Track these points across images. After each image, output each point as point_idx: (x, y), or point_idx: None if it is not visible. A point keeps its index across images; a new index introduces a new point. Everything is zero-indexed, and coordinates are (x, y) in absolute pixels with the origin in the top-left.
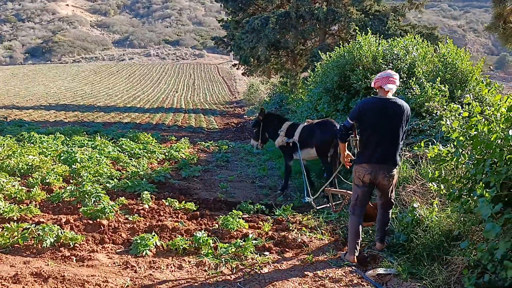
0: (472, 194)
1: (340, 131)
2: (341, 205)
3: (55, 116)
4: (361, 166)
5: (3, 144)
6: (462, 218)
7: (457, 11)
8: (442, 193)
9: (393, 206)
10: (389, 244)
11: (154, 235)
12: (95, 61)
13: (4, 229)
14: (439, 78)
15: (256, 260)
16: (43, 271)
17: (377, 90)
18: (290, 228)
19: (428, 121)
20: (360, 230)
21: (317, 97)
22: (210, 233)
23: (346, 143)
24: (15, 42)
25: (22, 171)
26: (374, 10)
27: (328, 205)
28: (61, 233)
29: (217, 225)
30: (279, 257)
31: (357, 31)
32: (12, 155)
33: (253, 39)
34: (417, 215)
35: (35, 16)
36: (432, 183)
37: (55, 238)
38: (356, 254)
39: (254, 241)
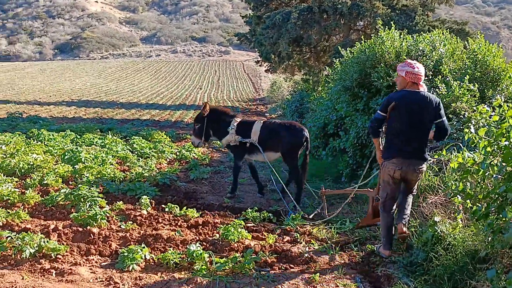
0: (501, 215)
1: (373, 124)
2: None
3: (75, 113)
4: (390, 162)
5: (10, 142)
6: (489, 238)
7: (491, 8)
8: (468, 206)
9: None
10: (406, 262)
11: (143, 247)
12: (122, 57)
13: None
14: (467, 76)
15: (254, 279)
16: (16, 286)
17: (408, 83)
18: (298, 239)
19: (454, 123)
20: (393, 225)
21: (337, 96)
22: (208, 245)
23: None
24: (45, 38)
25: (22, 170)
26: (402, 4)
27: (318, 211)
28: (43, 242)
29: (218, 235)
30: (281, 275)
31: (381, 26)
32: (16, 153)
33: (274, 34)
34: (438, 230)
35: (65, 13)
36: (457, 195)
37: (37, 248)
38: (390, 248)
39: (254, 256)
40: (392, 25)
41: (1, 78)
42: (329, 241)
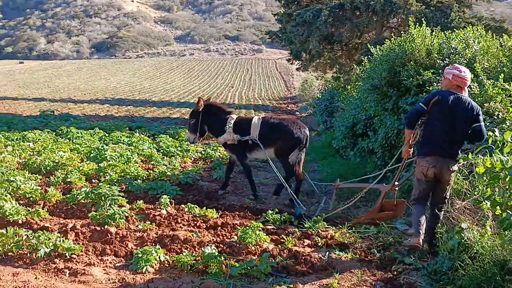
0: None
1: (411, 116)
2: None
3: (107, 111)
4: (424, 159)
5: (38, 139)
6: None
7: None
8: (497, 213)
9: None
10: (430, 270)
11: (158, 248)
12: (157, 56)
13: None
14: (502, 75)
15: (270, 284)
16: (28, 286)
17: (453, 85)
18: (319, 244)
19: (487, 124)
20: (424, 218)
21: (365, 95)
22: (225, 247)
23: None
24: (82, 37)
25: (48, 168)
26: (436, 1)
27: (322, 206)
28: (59, 241)
29: (236, 237)
30: (297, 281)
31: (412, 23)
32: (43, 151)
33: (304, 32)
34: (465, 238)
35: (102, 12)
36: (485, 201)
37: (52, 248)
38: (421, 237)
39: (270, 260)
40: (423, 22)
41: (39, 76)
42: (351, 246)
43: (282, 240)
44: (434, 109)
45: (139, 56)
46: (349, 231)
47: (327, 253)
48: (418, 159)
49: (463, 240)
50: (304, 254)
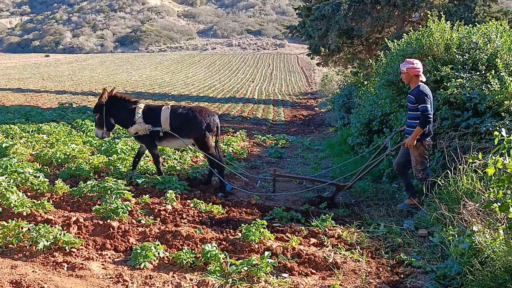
0: None
1: (430, 117)
2: None
3: None
4: (427, 141)
5: (53, 132)
6: None
7: None
8: (510, 216)
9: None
10: (439, 274)
11: (158, 244)
12: (179, 50)
13: (0, 227)
14: None
15: (270, 284)
16: (25, 279)
17: (411, 77)
18: (325, 243)
19: (507, 122)
20: None
21: (382, 91)
22: (228, 244)
23: None
24: (107, 31)
25: (59, 160)
26: None
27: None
28: (60, 235)
29: (240, 234)
30: (299, 281)
31: (433, 17)
32: (56, 143)
33: (322, 26)
34: (476, 242)
35: (126, 6)
36: (496, 203)
37: (52, 241)
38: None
39: (272, 260)
40: (446, 16)
41: (63, 69)
42: (358, 246)
43: (287, 238)
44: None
45: (161, 50)
46: (357, 230)
47: (332, 253)
48: (424, 141)
49: (473, 244)
50: (308, 253)
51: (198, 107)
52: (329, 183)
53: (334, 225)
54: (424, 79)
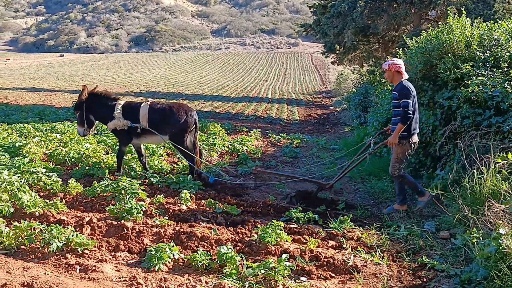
0: None
1: (410, 113)
2: None
3: None
4: (411, 140)
5: (67, 131)
6: None
7: None
8: None
9: None
10: (464, 278)
11: (173, 246)
12: (193, 50)
13: (13, 228)
14: None
15: None
16: (37, 282)
17: (392, 73)
18: (344, 245)
19: None
20: None
21: None
22: (244, 246)
23: None
24: (121, 31)
25: (73, 160)
26: None
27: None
28: (72, 236)
29: (256, 235)
30: (318, 284)
31: (452, 14)
32: (69, 142)
33: (338, 24)
34: (503, 245)
35: (141, 6)
36: None
37: (65, 242)
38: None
39: (289, 263)
40: (463, 12)
41: (78, 68)
42: (378, 249)
43: (305, 241)
44: (413, 100)
45: (175, 50)
46: (377, 232)
47: (352, 255)
48: (406, 140)
49: (500, 247)
50: (327, 256)
51: (177, 104)
52: (314, 182)
53: (353, 226)
54: (406, 76)
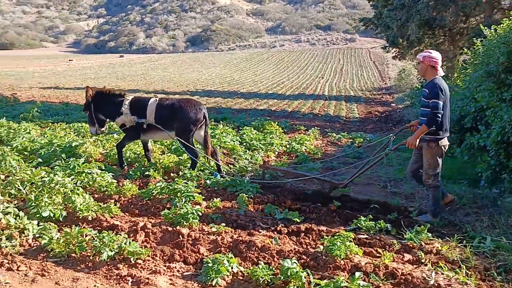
0: None
1: (438, 116)
2: None
3: None
4: (441, 143)
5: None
6: None
7: None
8: None
9: None
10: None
11: (231, 257)
12: (248, 48)
13: (64, 234)
14: None
15: None
16: None
17: (426, 67)
18: (422, 260)
19: None
20: None
21: (477, 83)
22: (309, 259)
23: None
24: (178, 32)
25: (129, 160)
26: None
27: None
28: (124, 244)
29: (322, 247)
30: None
31: None
32: None
33: (402, 16)
34: None
35: (197, 6)
36: None
37: (117, 251)
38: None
39: (363, 281)
40: None
41: (137, 68)
42: (463, 265)
43: (377, 254)
44: (445, 100)
45: (230, 48)
46: (459, 244)
47: (433, 272)
48: (439, 141)
49: None
50: (405, 273)
51: (185, 99)
52: (326, 181)
53: (431, 238)
54: (442, 73)
